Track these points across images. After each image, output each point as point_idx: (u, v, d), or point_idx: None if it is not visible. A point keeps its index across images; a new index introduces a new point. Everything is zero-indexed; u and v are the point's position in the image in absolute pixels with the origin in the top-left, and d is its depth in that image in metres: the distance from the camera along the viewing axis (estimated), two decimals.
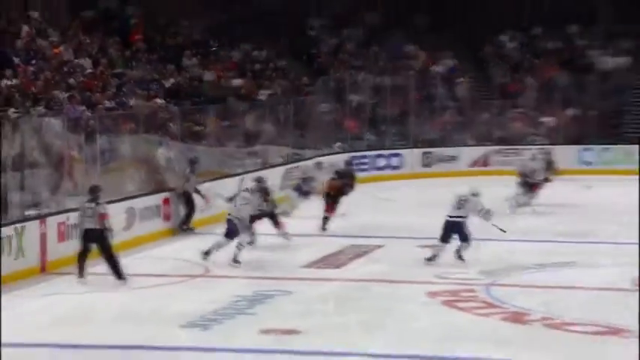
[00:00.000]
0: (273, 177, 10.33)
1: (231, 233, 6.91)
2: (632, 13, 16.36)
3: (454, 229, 6.92)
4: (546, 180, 10.46)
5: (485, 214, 7.13)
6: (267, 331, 5.08)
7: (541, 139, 14.76)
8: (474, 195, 7.10)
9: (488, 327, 5.34)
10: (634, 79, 15.86)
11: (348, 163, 10.79)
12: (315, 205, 9.48)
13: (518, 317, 5.56)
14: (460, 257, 6.99)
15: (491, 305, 5.93)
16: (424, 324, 5.44)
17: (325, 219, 8.66)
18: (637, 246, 7.29)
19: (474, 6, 17.62)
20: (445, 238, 6.94)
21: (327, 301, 6.14)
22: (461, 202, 7.02)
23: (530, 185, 10.25)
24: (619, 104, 15.76)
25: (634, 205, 9.47)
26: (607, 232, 8.72)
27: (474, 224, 7.28)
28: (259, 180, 7.98)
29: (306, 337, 4.99)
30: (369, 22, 17.35)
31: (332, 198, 8.80)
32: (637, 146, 14.09)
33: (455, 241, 7.13)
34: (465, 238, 6.96)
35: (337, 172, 9.47)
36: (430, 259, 6.95)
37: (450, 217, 6.90)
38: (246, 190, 7.46)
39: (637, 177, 12.26)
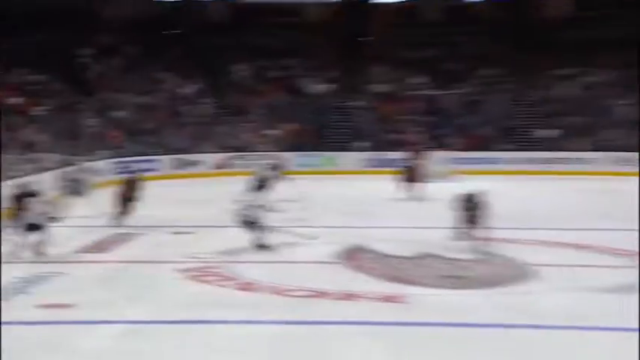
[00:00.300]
0: (48, 179, 11.69)
1: (33, 228, 7.52)
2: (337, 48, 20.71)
3: (247, 224, 7.80)
4: (276, 180, 11.81)
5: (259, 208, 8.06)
6: (42, 306, 5.64)
7: (267, 147, 16.85)
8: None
9: (227, 295, 6.26)
10: (334, 102, 19.56)
11: (133, 171, 11.75)
12: (84, 202, 10.64)
13: (249, 286, 6.53)
14: (260, 246, 7.77)
15: (228, 278, 6.77)
16: (177, 295, 6.26)
17: (118, 215, 9.47)
18: (343, 229, 9.15)
19: (213, 40, 20.24)
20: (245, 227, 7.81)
21: (96, 280, 6.75)
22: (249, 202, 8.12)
23: (262, 185, 11.28)
24: (323, 120, 18.96)
25: (331, 196, 12.28)
26: (320, 218, 9.80)
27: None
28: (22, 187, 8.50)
29: (78, 310, 5.58)
30: (130, 52, 19.52)
31: (124, 200, 9.64)
32: (337, 153, 17.57)
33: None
34: (256, 228, 7.84)
35: (128, 181, 10.18)
36: (260, 245, 7.77)
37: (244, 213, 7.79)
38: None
39: (334, 176, 15.87)
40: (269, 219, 8.16)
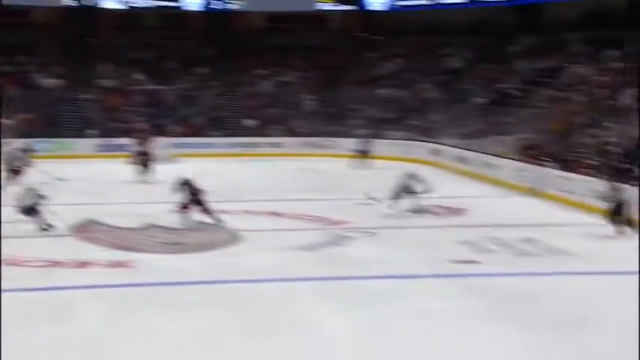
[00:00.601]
0: None
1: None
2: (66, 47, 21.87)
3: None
4: (25, 166, 12.76)
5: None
6: None
7: (5, 134, 16.56)
8: None
9: None
10: (65, 94, 20.83)
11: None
12: None
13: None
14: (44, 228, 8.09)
15: None
16: None
17: None
18: (78, 206, 9.48)
19: None
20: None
21: None
22: None
23: (14, 171, 12.33)
24: (55, 110, 20.25)
25: (68, 177, 12.44)
26: (59, 197, 9.30)
27: None
28: None
29: None
30: None
31: None
32: (71, 139, 18.61)
33: None
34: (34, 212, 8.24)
35: None
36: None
37: None
38: None
39: (70, 160, 16.44)
40: (39, 201, 8.41)
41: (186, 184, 9.10)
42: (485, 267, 7.34)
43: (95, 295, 5.96)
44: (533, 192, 12.50)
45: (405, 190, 10.28)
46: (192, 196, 9.04)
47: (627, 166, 11.02)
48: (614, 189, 8.94)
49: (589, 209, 10.23)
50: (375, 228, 9.35)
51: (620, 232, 8.63)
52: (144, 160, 14.40)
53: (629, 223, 8.69)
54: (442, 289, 6.49)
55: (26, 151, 13.64)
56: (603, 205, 8.99)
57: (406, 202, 10.23)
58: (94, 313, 5.45)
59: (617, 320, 5.29)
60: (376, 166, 16.50)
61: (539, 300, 6.02)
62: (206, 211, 9.08)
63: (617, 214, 8.68)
